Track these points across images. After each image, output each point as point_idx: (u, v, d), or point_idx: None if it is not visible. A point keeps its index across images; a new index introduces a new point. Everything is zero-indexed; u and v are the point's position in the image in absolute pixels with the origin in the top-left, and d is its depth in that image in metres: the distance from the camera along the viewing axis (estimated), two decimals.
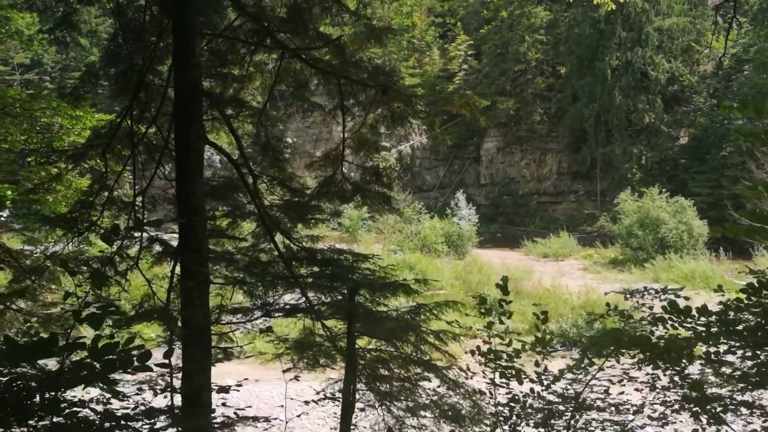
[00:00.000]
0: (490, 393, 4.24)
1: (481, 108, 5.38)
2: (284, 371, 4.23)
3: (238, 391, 4.29)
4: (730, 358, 3.72)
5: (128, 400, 3.02)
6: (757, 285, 3.35)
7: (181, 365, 4.33)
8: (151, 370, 2.08)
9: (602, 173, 42.28)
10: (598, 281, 23.19)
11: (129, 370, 2.00)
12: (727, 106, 3.21)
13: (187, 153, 4.32)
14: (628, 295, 4.09)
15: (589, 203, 43.41)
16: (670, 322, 3.64)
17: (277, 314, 4.88)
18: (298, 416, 6.90)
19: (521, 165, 47.58)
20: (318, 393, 4.56)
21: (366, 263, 5.50)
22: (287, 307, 4.91)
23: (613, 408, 3.97)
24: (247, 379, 5.26)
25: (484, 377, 4.28)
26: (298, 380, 4.55)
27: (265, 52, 5.97)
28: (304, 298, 5.07)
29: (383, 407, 4.83)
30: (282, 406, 4.74)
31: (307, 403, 4.48)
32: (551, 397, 4.08)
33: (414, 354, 4.79)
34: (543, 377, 4.04)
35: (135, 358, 2.03)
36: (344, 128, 5.72)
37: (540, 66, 45.88)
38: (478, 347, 4.24)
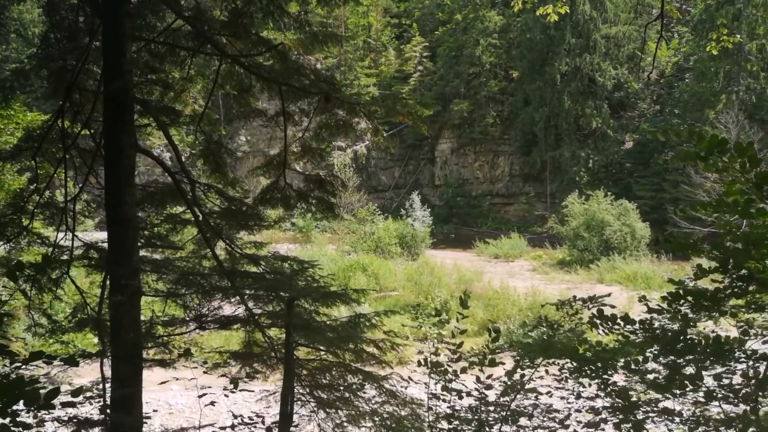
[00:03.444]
0: (429, 407, 4.28)
1: (424, 116, 5.44)
2: (200, 396, 4.13)
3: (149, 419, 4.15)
4: (654, 366, 3.87)
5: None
6: (675, 293, 3.49)
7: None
8: (53, 407, 1.95)
9: (552, 176, 43.39)
10: (546, 282, 23.78)
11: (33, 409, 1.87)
12: (651, 130, 3.37)
13: (118, 159, 4.18)
14: (560, 305, 4.20)
15: (539, 205, 44.47)
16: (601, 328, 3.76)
17: (213, 326, 4.77)
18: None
19: (474, 166, 48.34)
20: (236, 417, 4.47)
21: (308, 271, 5.45)
22: (223, 318, 4.81)
23: (540, 415, 4.07)
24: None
25: (426, 388, 4.32)
26: (213, 405, 4.46)
27: (204, 56, 5.84)
28: (244, 308, 4.98)
29: (322, 415, 4.81)
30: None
31: (224, 429, 4.38)
32: (487, 407, 4.14)
33: (353, 363, 4.78)
34: (480, 392, 4.10)
35: (42, 396, 1.88)
36: (286, 135, 5.66)
37: (493, 69, 46.72)
38: (425, 359, 4.27)
